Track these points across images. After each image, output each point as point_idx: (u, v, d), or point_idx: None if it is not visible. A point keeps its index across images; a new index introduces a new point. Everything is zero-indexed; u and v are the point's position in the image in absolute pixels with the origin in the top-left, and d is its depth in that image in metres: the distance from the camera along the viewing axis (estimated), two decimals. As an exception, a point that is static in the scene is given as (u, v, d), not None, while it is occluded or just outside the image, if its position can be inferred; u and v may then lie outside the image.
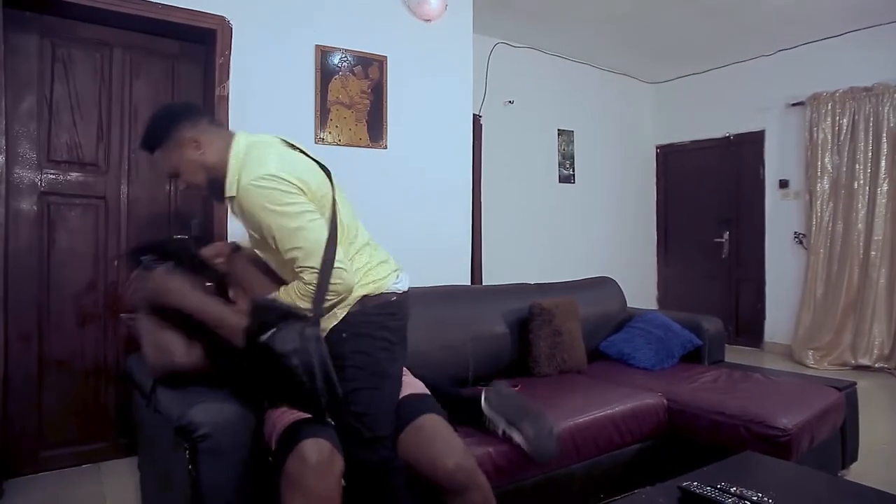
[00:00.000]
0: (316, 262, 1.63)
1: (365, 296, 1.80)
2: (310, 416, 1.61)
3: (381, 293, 1.82)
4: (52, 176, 2.97)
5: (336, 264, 1.65)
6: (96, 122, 3.06)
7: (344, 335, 1.75)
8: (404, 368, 1.96)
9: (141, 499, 2.42)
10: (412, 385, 1.94)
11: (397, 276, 1.90)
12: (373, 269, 1.85)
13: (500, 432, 2.07)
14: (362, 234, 1.91)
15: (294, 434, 1.56)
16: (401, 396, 1.84)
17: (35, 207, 2.92)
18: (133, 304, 1.92)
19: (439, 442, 1.73)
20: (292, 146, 1.84)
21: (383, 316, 1.82)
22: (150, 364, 1.84)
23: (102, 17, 2.97)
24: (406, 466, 1.71)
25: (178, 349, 1.80)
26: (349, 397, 1.67)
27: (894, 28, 5.15)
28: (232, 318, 1.68)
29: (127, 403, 2.74)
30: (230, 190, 1.72)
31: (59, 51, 2.96)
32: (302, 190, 1.66)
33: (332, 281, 1.64)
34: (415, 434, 1.74)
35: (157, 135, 1.79)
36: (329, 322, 1.75)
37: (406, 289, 1.92)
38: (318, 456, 1.51)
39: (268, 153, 1.71)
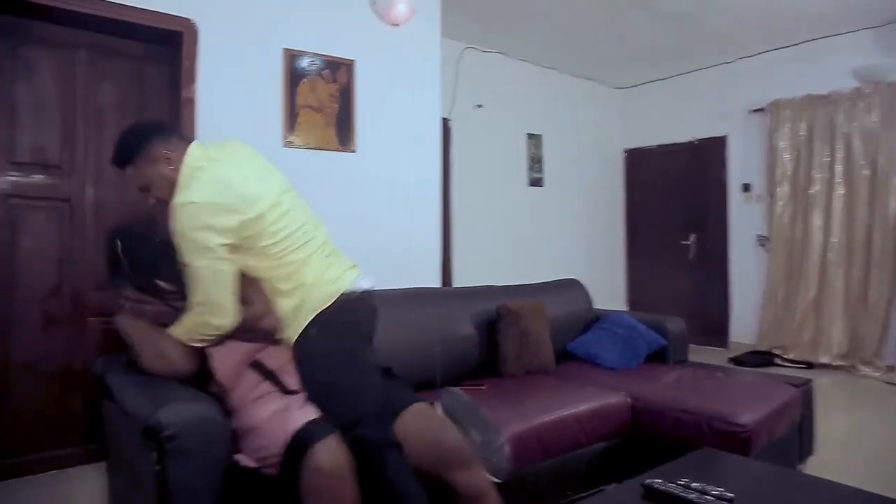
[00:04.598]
0: (200, 298, 1.77)
1: (328, 298, 1.86)
2: (307, 422, 1.67)
3: (342, 293, 1.88)
4: (14, 178, 2.92)
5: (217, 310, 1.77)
6: (60, 124, 3.02)
7: (312, 331, 1.82)
8: None
9: (109, 503, 2.39)
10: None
11: (355, 277, 1.95)
12: (328, 272, 1.90)
13: None
14: (318, 240, 1.94)
15: (301, 442, 1.61)
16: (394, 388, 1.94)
17: (-3, 210, 2.88)
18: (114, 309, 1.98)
19: (438, 423, 1.89)
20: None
21: (347, 311, 1.88)
22: (151, 372, 1.87)
23: (66, 18, 2.93)
24: (407, 448, 1.77)
25: (178, 357, 1.84)
26: (327, 385, 1.78)
27: (848, 38, 5.34)
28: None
29: (95, 408, 2.71)
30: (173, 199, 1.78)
31: (21, 51, 2.92)
32: (231, 210, 1.74)
33: (209, 321, 1.78)
34: (412, 417, 1.85)
35: (131, 151, 1.86)
36: (299, 324, 1.83)
37: (368, 287, 1.97)
38: (332, 463, 1.58)
39: (208, 175, 1.77)
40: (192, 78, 3.17)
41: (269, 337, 1.92)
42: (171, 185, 1.81)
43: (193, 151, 1.85)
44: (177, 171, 1.82)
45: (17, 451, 2.90)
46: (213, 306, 1.77)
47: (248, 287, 1.86)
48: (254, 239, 1.79)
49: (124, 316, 1.94)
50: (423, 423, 1.86)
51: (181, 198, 1.72)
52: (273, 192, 1.85)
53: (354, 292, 1.90)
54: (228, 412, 1.82)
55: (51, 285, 3.00)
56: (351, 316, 1.90)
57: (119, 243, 1.95)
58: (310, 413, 1.73)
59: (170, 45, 3.24)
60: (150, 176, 1.85)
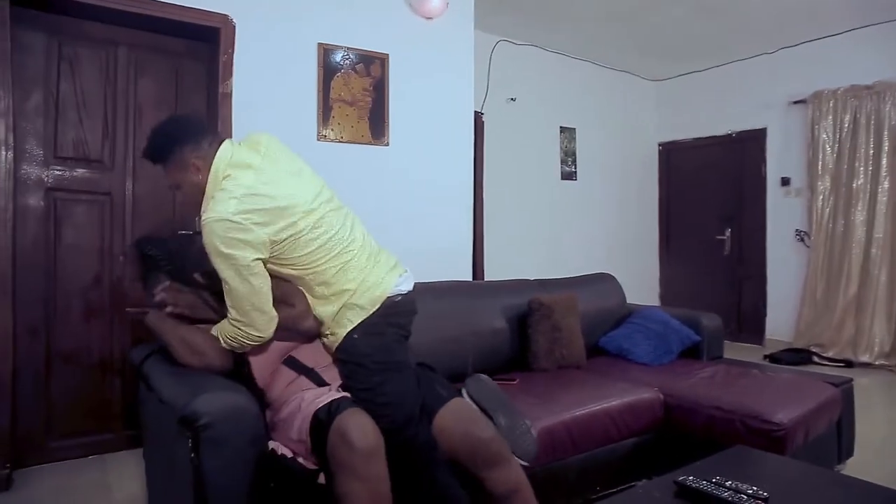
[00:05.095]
0: (238, 314, 1.76)
1: (372, 304, 1.87)
2: (331, 400, 1.70)
3: (387, 297, 1.88)
4: (58, 172, 3.01)
5: (256, 318, 1.77)
6: (102, 120, 3.10)
7: (355, 336, 1.83)
8: None
9: (146, 488, 2.46)
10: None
11: (399, 277, 1.94)
12: (371, 276, 1.89)
13: None
14: (358, 242, 1.91)
15: (328, 416, 1.63)
16: (431, 383, 1.96)
17: (42, 203, 2.97)
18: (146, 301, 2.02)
19: (473, 418, 1.89)
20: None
21: (389, 315, 1.89)
22: (186, 366, 1.90)
23: (108, 16, 3.00)
24: (444, 443, 1.81)
25: (213, 352, 1.86)
26: (375, 390, 1.78)
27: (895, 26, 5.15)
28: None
29: (132, 396, 2.79)
30: (202, 213, 1.75)
31: (66, 49, 3.00)
32: (262, 223, 1.70)
33: (248, 333, 1.78)
34: (450, 414, 1.86)
35: (162, 152, 1.82)
36: (343, 329, 1.84)
37: (409, 289, 1.97)
38: (364, 440, 1.58)
39: (236, 186, 1.71)
40: (229, 73, 3.22)
41: (308, 337, 1.96)
42: (200, 192, 1.80)
43: (223, 155, 1.79)
44: (206, 178, 1.79)
45: (57, 436, 3.01)
46: (251, 320, 1.76)
47: (289, 289, 1.87)
48: (288, 250, 1.77)
49: (152, 314, 1.98)
50: (459, 419, 1.86)
51: (210, 214, 1.68)
52: (306, 197, 1.80)
53: (397, 296, 1.91)
54: (265, 406, 1.87)
55: (91, 276, 3.09)
56: (394, 320, 1.90)
57: (147, 245, 2.00)
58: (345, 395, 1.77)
59: (207, 41, 3.30)
60: (179, 180, 1.83)
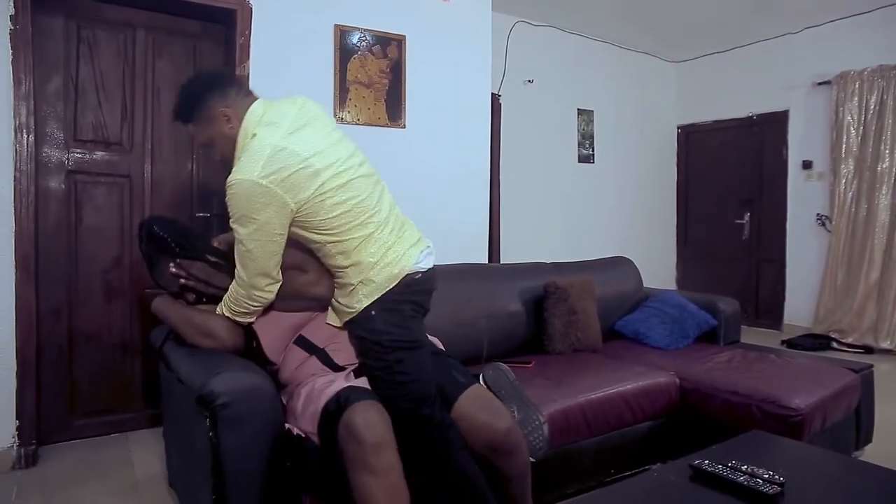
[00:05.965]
0: (245, 273, 1.78)
1: (391, 280, 1.82)
2: (345, 387, 1.69)
3: (406, 274, 1.82)
4: (78, 155, 3.04)
5: (263, 285, 1.80)
6: (120, 103, 3.12)
7: (373, 312, 1.79)
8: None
9: (166, 465, 2.51)
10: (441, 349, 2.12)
11: (420, 254, 1.88)
12: (392, 251, 1.83)
13: None
14: (383, 213, 1.86)
15: (336, 410, 1.62)
16: (448, 369, 1.96)
17: (63, 186, 3.00)
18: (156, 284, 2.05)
19: (492, 408, 1.87)
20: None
21: (408, 292, 1.84)
22: (196, 346, 1.92)
23: (126, -2, 3.02)
24: (462, 430, 1.81)
25: (223, 332, 1.89)
26: (392, 368, 1.76)
27: (925, 4, 5.02)
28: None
29: (153, 375, 2.84)
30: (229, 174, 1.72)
31: (84, 32, 3.02)
32: (287, 186, 1.66)
33: (252, 294, 1.81)
34: (469, 401, 1.85)
35: (189, 108, 1.82)
36: (358, 303, 1.80)
37: (430, 266, 1.92)
38: (371, 433, 1.54)
39: (262, 146, 1.68)
40: (245, 55, 3.22)
41: (319, 304, 1.95)
42: (233, 144, 1.78)
43: (254, 110, 1.79)
44: (237, 128, 1.77)
45: (81, 414, 3.07)
46: (258, 280, 1.77)
47: (303, 254, 1.86)
48: (313, 212, 1.72)
49: (157, 299, 2.01)
50: (480, 408, 1.85)
51: (236, 175, 1.66)
52: (337, 157, 1.77)
53: (417, 273, 1.85)
54: (280, 386, 1.88)
55: (111, 258, 3.13)
56: (412, 297, 1.86)
57: (155, 226, 2.00)
58: (357, 383, 1.77)
59: (224, 23, 3.30)
60: (211, 135, 1.83)
